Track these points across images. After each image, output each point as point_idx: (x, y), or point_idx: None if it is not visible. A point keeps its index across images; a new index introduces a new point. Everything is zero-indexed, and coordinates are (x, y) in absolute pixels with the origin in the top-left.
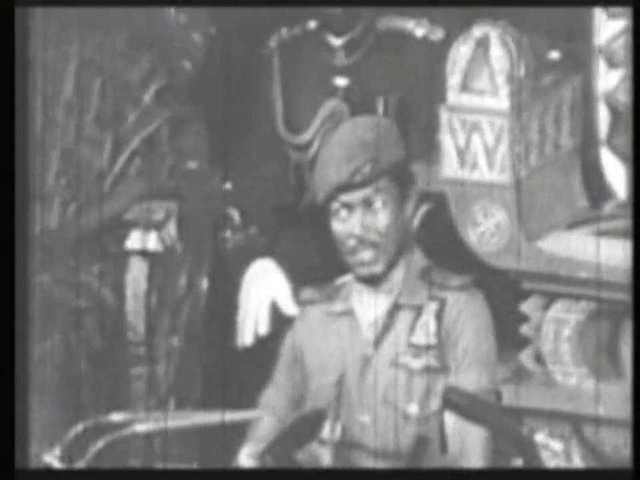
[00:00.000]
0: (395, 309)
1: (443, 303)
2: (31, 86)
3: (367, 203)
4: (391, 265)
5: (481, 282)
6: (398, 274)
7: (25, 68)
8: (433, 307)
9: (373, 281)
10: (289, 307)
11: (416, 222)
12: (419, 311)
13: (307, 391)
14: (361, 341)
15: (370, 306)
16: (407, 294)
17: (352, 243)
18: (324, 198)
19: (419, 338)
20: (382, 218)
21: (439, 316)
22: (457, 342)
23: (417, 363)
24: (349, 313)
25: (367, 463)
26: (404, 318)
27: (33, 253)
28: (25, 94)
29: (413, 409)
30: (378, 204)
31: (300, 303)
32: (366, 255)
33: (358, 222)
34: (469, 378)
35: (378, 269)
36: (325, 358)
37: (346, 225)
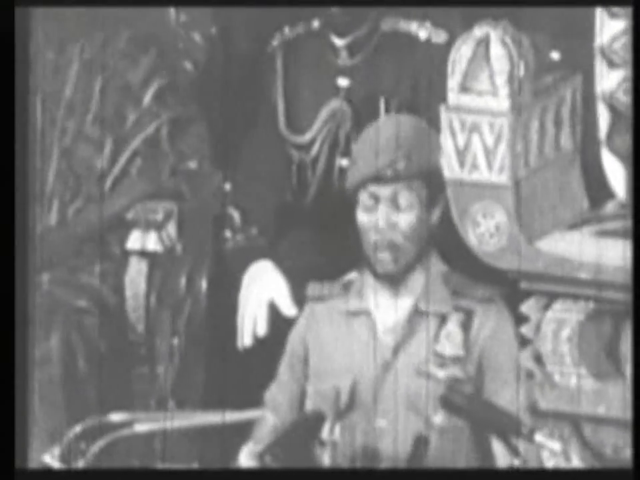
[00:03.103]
0: (416, 314)
1: (469, 314)
2: (32, 85)
3: (394, 200)
4: (408, 268)
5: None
6: (417, 278)
7: (25, 68)
8: (458, 317)
9: (388, 280)
10: (288, 308)
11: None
12: (442, 319)
13: (313, 390)
14: (379, 344)
15: (388, 309)
16: (428, 300)
17: (374, 237)
18: (354, 186)
19: (445, 347)
20: (406, 218)
21: (466, 327)
22: (490, 357)
23: (442, 373)
24: (364, 313)
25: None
26: (426, 325)
27: (33, 252)
28: (26, 94)
29: (439, 419)
30: (404, 203)
31: (307, 298)
32: (386, 253)
33: (383, 216)
34: (506, 396)
35: (395, 268)
36: (336, 358)
37: (370, 217)
